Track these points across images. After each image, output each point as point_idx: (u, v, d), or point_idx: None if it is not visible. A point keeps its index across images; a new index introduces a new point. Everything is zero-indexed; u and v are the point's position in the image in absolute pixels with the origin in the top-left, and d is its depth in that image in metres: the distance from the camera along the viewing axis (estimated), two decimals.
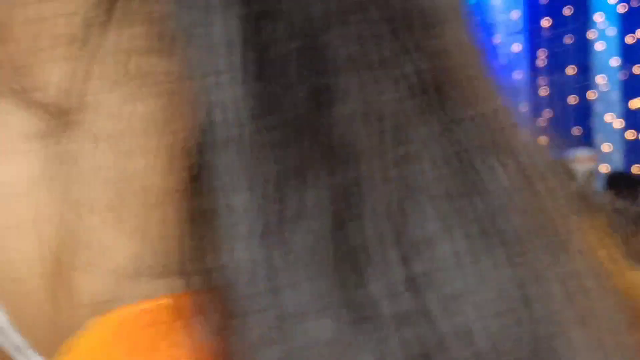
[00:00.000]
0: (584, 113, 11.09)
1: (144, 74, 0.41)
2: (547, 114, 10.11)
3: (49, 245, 0.43)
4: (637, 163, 10.25)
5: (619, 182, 6.53)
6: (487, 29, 9.16)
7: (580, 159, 8.63)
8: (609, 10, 10.85)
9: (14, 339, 0.44)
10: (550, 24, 11.12)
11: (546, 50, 11.06)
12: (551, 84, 11.09)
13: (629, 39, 10.41)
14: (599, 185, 9.17)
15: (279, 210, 0.38)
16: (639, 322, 0.48)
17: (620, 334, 0.47)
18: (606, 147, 10.81)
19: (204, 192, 0.39)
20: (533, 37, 11.05)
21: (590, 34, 11.07)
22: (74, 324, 0.41)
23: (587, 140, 10.92)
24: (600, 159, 10.73)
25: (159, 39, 0.41)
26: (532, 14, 11.10)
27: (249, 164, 0.38)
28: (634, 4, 10.29)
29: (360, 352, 0.38)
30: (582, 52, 11.12)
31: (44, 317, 0.44)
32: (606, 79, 10.91)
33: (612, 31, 10.80)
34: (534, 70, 11.03)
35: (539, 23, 11.05)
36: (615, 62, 10.72)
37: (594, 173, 9.08)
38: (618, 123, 10.66)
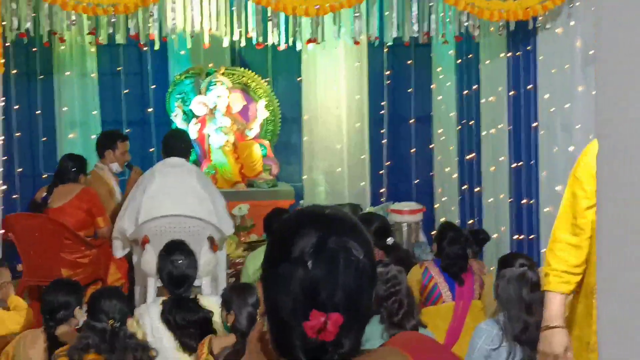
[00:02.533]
0: (425, 164, 11.16)
1: None
2: (387, 164, 10.44)
3: None
4: (472, 216, 10.28)
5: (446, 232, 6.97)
6: None
7: (407, 212, 8.98)
8: (448, 63, 10.83)
9: None
10: (392, 73, 11.24)
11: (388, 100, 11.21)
12: (392, 134, 11.24)
13: (466, 92, 10.42)
14: (424, 236, 9.49)
15: None
16: None
17: None
18: (444, 198, 10.88)
19: None
20: (375, 87, 11.21)
21: (432, 86, 11.11)
22: None
23: (427, 190, 11.04)
24: (438, 210, 10.84)
25: None
26: (374, 64, 11.23)
27: None
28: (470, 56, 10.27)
29: None
30: (424, 104, 11.18)
31: None
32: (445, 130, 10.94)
33: (450, 83, 10.80)
34: (376, 120, 11.21)
35: (381, 72, 11.19)
36: (453, 114, 10.74)
37: (419, 224, 9.36)
38: (455, 175, 10.69)
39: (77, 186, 8.10)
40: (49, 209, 8.03)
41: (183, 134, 8.37)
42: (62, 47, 10.54)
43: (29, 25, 8.06)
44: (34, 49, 10.36)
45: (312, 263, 2.04)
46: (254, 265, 7.39)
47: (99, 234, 8.07)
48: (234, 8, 8.48)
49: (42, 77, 10.60)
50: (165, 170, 7.71)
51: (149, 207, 7.48)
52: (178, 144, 7.96)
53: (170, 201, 7.42)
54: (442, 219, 10.59)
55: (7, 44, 9.50)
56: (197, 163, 10.35)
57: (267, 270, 2.11)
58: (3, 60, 7.99)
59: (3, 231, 7.63)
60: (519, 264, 5.69)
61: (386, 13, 8.85)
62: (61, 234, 7.75)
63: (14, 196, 10.25)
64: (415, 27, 8.65)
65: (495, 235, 9.40)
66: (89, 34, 8.51)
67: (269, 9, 8.08)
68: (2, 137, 7.77)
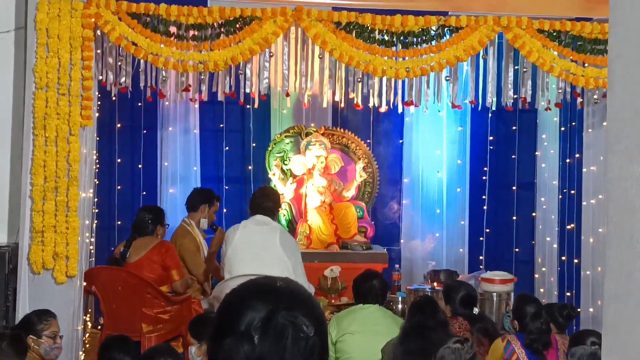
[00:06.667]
0: (526, 232, 10.92)
1: None
2: (487, 230, 10.30)
3: None
4: (570, 289, 10.02)
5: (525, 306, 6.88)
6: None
7: (498, 281, 8.84)
8: (553, 130, 10.62)
9: None
10: (496, 138, 11.05)
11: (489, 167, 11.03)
12: (494, 200, 11.03)
13: (569, 160, 10.21)
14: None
15: None
16: None
17: None
18: (543, 269, 10.63)
19: None
20: (477, 152, 11.05)
21: (537, 153, 10.89)
22: None
23: (528, 259, 10.80)
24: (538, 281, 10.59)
25: None
26: (478, 128, 11.08)
27: None
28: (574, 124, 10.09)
29: None
30: (527, 171, 10.96)
31: None
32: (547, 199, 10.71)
33: (554, 151, 10.59)
34: (477, 185, 11.03)
35: (485, 137, 11.03)
36: (555, 182, 10.52)
37: (510, 295, 9.17)
38: (555, 245, 10.45)
39: (153, 239, 8.12)
40: (128, 263, 8.06)
41: (271, 193, 8.28)
42: (167, 103, 10.65)
43: (124, 80, 8.17)
44: (139, 104, 10.48)
45: (258, 338, 1.94)
46: (337, 328, 7.26)
47: (173, 288, 8.05)
48: (328, 68, 8.43)
49: (145, 131, 10.72)
50: (250, 227, 7.68)
51: (230, 264, 7.47)
52: (265, 202, 7.90)
53: (250, 260, 7.38)
54: (542, 290, 10.34)
55: (113, 98, 9.67)
56: (293, 223, 10.31)
57: (212, 344, 2.01)
58: (98, 115, 8.11)
59: (85, 284, 7.68)
60: (590, 342, 5.46)
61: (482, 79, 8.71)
62: (143, 289, 7.77)
63: (112, 248, 10.36)
64: (511, 93, 8.51)
65: (591, 310, 9.10)
66: (183, 90, 8.58)
67: (360, 71, 8.03)
68: (91, 191, 7.85)
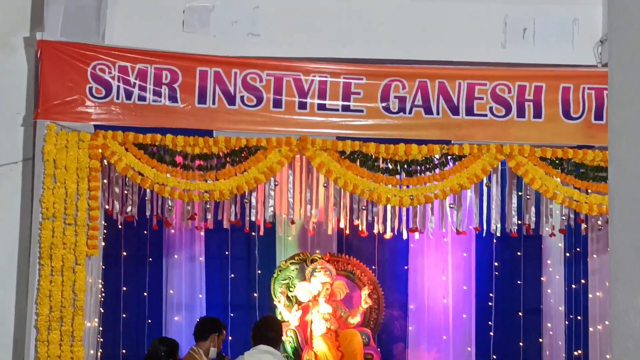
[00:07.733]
0: (534, 359, 10.85)
1: None
2: (494, 357, 10.24)
3: None
4: None
5: None
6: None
7: None
8: (557, 255, 10.64)
9: None
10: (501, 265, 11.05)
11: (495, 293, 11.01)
12: (500, 326, 10.98)
13: (574, 286, 10.21)
14: None
15: None
16: None
17: None
18: None
19: None
20: (483, 278, 11.04)
21: (542, 279, 10.89)
22: None
23: None
24: None
25: None
26: (482, 254, 11.08)
27: None
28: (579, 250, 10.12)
29: None
30: (533, 296, 10.94)
31: None
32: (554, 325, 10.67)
33: (559, 276, 10.59)
34: (483, 311, 10.99)
35: (490, 263, 11.03)
36: (561, 308, 10.50)
37: None
38: None
39: None
40: None
41: (274, 322, 8.36)
42: (172, 231, 10.70)
43: (130, 209, 8.24)
44: (145, 232, 10.52)
45: None
46: None
47: None
48: (333, 196, 8.52)
49: (150, 259, 10.74)
50: (256, 357, 7.75)
51: None
52: (269, 333, 8.01)
53: None
54: None
55: (119, 227, 9.72)
56: (299, 350, 10.26)
57: None
58: (104, 244, 8.16)
59: None
60: None
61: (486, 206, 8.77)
62: None
63: None
64: (516, 220, 8.57)
65: None
66: (189, 218, 8.65)
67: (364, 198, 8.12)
68: (96, 320, 7.85)
